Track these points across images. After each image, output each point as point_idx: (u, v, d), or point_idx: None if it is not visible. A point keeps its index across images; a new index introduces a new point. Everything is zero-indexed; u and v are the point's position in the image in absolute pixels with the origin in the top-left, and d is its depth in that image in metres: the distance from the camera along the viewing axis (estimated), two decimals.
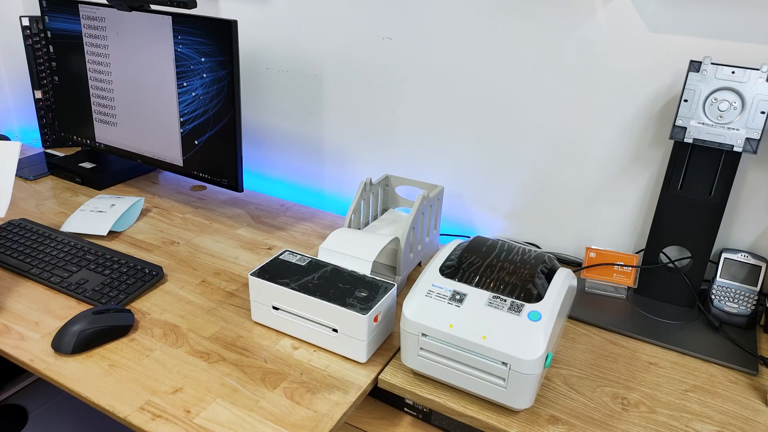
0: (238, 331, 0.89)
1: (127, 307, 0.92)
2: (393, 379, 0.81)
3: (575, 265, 1.10)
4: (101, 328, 0.84)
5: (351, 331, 0.81)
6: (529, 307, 0.74)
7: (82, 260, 1.02)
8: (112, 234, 1.16)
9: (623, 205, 1.07)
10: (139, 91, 1.25)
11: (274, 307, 0.87)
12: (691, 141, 0.88)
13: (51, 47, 1.35)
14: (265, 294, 0.87)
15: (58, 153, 1.54)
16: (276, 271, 0.88)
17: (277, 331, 0.89)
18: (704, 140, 0.88)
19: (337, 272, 0.89)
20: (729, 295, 0.95)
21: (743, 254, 0.96)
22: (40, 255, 1.04)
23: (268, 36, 1.31)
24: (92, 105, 1.35)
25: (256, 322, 0.91)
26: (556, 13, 1.01)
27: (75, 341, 0.82)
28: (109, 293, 0.94)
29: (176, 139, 1.24)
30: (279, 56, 1.31)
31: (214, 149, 1.18)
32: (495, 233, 1.21)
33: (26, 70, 1.64)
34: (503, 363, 0.71)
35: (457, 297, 0.76)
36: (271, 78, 1.35)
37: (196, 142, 1.21)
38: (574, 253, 1.14)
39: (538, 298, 0.75)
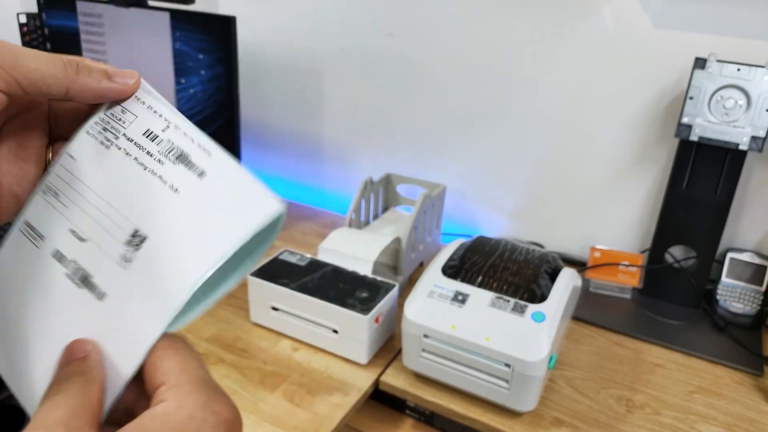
0: (236, 332, 0.88)
1: None
2: (394, 381, 0.79)
3: (580, 265, 1.09)
4: None
5: (352, 332, 0.80)
6: (532, 307, 0.73)
7: None
8: None
9: (628, 204, 1.05)
10: None
11: (274, 308, 0.86)
12: (696, 139, 0.87)
13: (48, 44, 1.34)
14: (264, 294, 0.86)
15: None
16: (275, 271, 0.87)
17: (277, 332, 0.88)
18: (710, 138, 0.87)
19: (338, 272, 0.87)
20: (734, 295, 0.94)
21: (749, 254, 0.95)
22: None
23: (268, 32, 1.30)
24: None
25: (255, 323, 0.90)
26: (560, 9, 0.99)
27: None
28: None
29: None
30: (279, 53, 1.30)
31: None
32: (498, 233, 1.20)
33: None
34: (506, 365, 0.69)
35: (460, 297, 0.75)
36: (271, 75, 1.33)
37: None
38: (578, 253, 1.13)
39: (542, 298, 0.74)
